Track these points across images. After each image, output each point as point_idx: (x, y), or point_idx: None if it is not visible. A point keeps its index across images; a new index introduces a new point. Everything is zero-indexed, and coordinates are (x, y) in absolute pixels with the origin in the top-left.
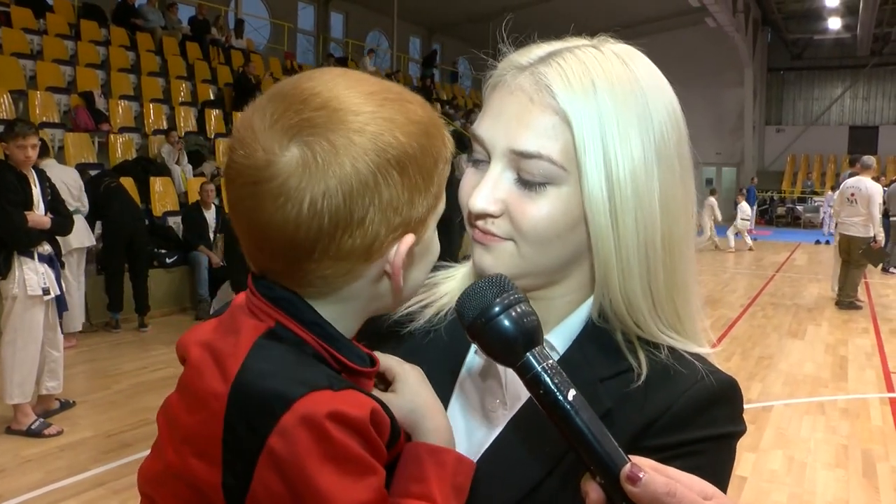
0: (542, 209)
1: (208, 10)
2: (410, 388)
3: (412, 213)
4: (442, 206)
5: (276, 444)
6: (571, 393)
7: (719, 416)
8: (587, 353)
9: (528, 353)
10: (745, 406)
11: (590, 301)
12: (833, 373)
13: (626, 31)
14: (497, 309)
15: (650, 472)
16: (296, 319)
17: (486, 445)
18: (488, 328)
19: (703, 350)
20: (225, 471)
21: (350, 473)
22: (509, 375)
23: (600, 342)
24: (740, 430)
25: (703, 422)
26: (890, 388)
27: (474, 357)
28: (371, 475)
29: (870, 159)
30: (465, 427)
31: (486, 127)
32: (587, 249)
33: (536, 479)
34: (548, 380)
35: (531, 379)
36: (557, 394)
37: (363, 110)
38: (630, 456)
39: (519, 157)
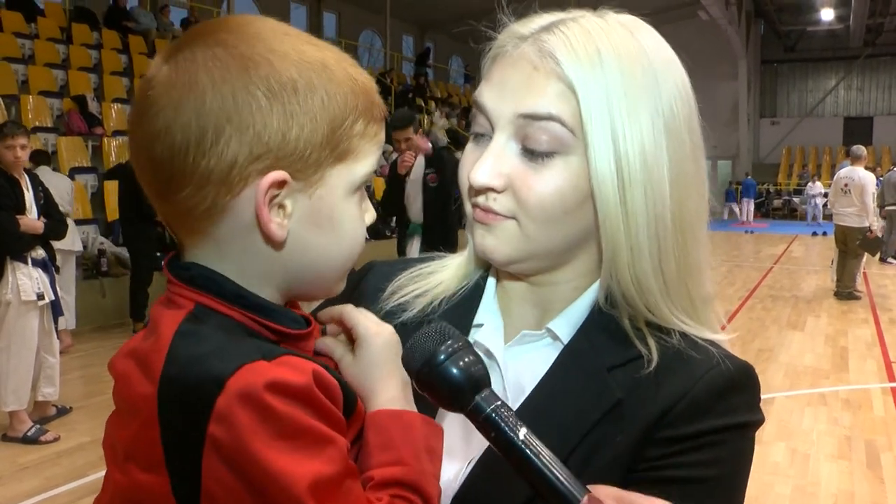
0: (548, 183)
1: (200, 11)
2: (371, 352)
3: (285, 148)
4: (359, 173)
5: (216, 431)
6: (522, 431)
7: (738, 404)
8: (594, 340)
9: (476, 397)
10: None
11: (596, 285)
12: (834, 364)
13: None
14: (441, 357)
15: (609, 502)
16: (216, 296)
17: (483, 449)
18: (434, 375)
19: (718, 336)
20: (172, 475)
21: (304, 448)
22: (509, 377)
23: (608, 329)
24: (758, 420)
25: (722, 409)
26: (891, 378)
27: None
28: (328, 445)
29: (859, 149)
30: (462, 428)
31: (490, 96)
32: (595, 229)
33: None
34: (498, 421)
35: (483, 422)
36: (509, 433)
37: (245, 31)
38: (591, 487)
39: (527, 122)
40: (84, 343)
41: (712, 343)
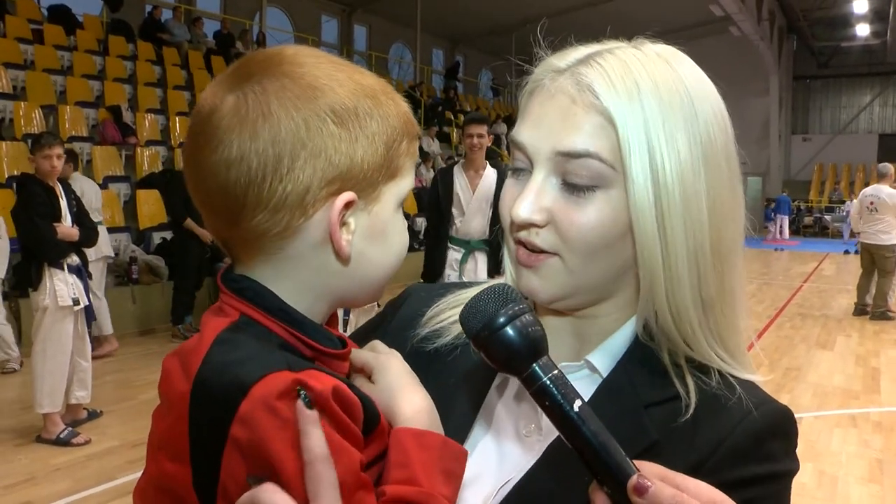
0: (590, 217)
1: (233, 24)
2: (388, 375)
3: (352, 170)
4: (405, 188)
5: (238, 432)
6: (578, 403)
7: (776, 451)
8: (632, 375)
9: (533, 364)
10: None
11: (630, 322)
12: (865, 385)
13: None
14: (502, 320)
15: (658, 482)
16: (261, 308)
17: (522, 471)
18: (493, 339)
19: (756, 377)
20: (194, 468)
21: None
22: None
23: (647, 364)
24: (795, 468)
25: (760, 456)
26: None
27: (504, 379)
28: (341, 454)
29: (885, 167)
30: (496, 450)
31: (527, 133)
32: (635, 261)
33: None
34: (554, 391)
35: (537, 390)
36: (564, 404)
37: (305, 62)
38: (638, 464)
39: (565, 159)
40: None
41: (749, 385)
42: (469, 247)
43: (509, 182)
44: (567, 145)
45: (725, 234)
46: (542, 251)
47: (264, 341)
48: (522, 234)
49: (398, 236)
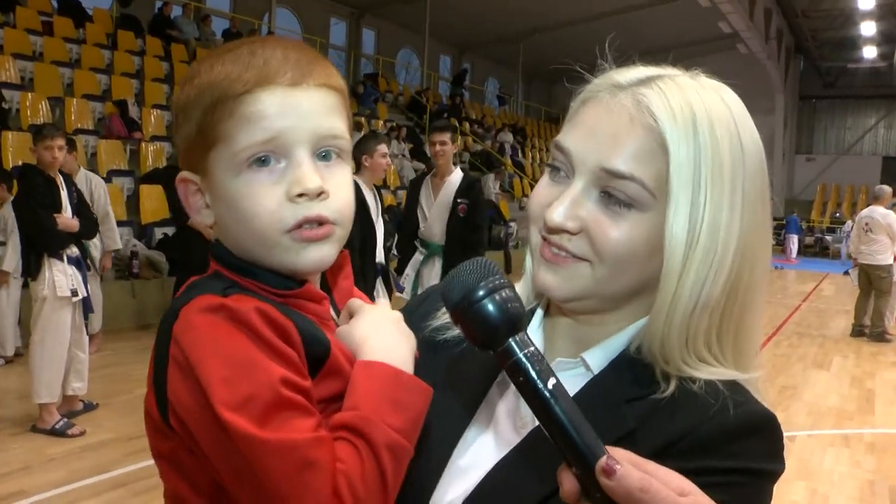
0: (623, 232)
1: (242, 23)
2: (362, 318)
3: (185, 151)
4: (231, 153)
5: (173, 350)
6: (552, 381)
7: (751, 449)
8: (620, 374)
9: (509, 339)
10: None
11: (635, 325)
12: (859, 406)
13: (657, 56)
14: (481, 293)
15: (627, 465)
16: (221, 264)
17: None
18: (471, 312)
19: (739, 375)
20: (156, 391)
21: (238, 368)
22: None
23: (636, 365)
24: (775, 469)
25: (728, 452)
26: None
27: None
28: (256, 369)
29: (881, 189)
30: (494, 440)
31: (577, 140)
32: (653, 281)
33: (545, 494)
34: (528, 367)
35: (512, 365)
36: (538, 381)
37: (196, 65)
38: (608, 448)
39: (609, 177)
40: (113, 342)
41: (736, 387)
42: (430, 249)
43: (545, 180)
44: (614, 164)
45: (753, 275)
46: (573, 256)
47: (225, 283)
48: (553, 238)
49: (244, 200)
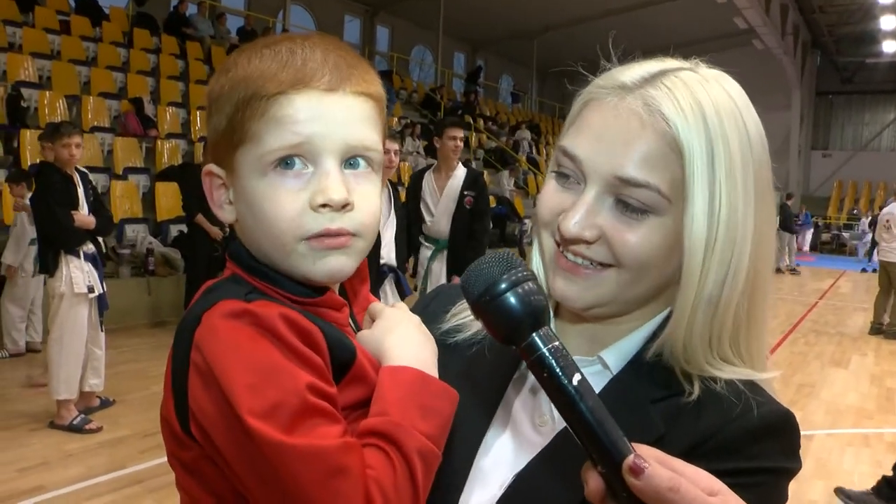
0: (642, 237)
1: (256, 21)
2: (384, 321)
3: (213, 144)
4: (259, 154)
5: (195, 356)
6: (577, 377)
7: (770, 449)
8: (641, 374)
9: (533, 334)
10: None
11: (649, 324)
12: (879, 405)
13: (673, 52)
14: (503, 286)
15: (654, 464)
16: (240, 266)
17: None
18: (493, 306)
19: (759, 375)
20: (175, 399)
21: (263, 375)
22: None
23: (656, 364)
24: (793, 468)
25: (753, 452)
26: None
27: (525, 371)
28: (281, 375)
29: None
30: (514, 440)
31: (586, 147)
32: (671, 281)
33: (574, 501)
34: (553, 362)
35: (535, 361)
36: (562, 377)
37: (231, 59)
38: (634, 445)
39: (623, 184)
40: (130, 339)
41: (755, 386)
42: (438, 245)
43: (553, 186)
44: (627, 172)
45: (762, 268)
46: (595, 263)
47: (246, 288)
48: (572, 247)
49: (266, 202)
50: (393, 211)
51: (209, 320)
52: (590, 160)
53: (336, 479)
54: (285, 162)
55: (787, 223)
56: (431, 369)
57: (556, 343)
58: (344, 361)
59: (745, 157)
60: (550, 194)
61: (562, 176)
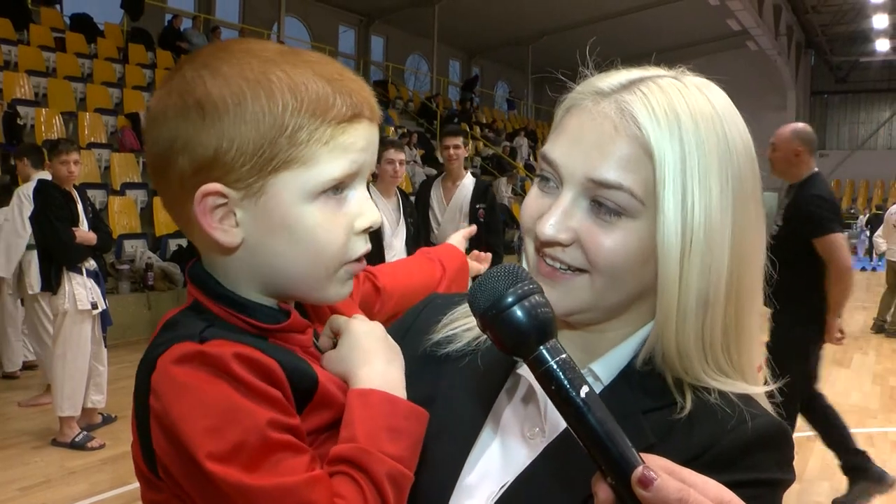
0: (616, 241)
1: (251, 33)
2: (349, 338)
3: (218, 161)
4: (310, 179)
5: (153, 402)
6: (584, 389)
7: (764, 461)
8: (632, 384)
9: (540, 347)
10: None
11: (640, 333)
12: (882, 403)
13: (667, 55)
14: (510, 299)
15: (663, 475)
16: (205, 293)
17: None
18: (500, 319)
19: (754, 389)
20: (141, 441)
21: (222, 417)
22: (549, 403)
23: (647, 375)
24: (787, 479)
25: (747, 465)
26: None
27: (515, 382)
28: (238, 415)
29: None
30: (501, 451)
31: (562, 152)
32: (651, 288)
33: None
34: (560, 375)
35: (543, 373)
36: (570, 389)
37: (200, 56)
38: (644, 455)
39: (597, 186)
40: (130, 354)
41: (748, 399)
42: None
43: (535, 192)
44: (601, 174)
45: (747, 276)
46: (570, 268)
47: (208, 323)
48: (547, 251)
49: (311, 230)
50: (403, 219)
51: (164, 366)
52: (565, 164)
53: None
54: (335, 188)
55: None
56: (400, 390)
57: (564, 355)
58: (305, 389)
59: (723, 164)
60: (531, 200)
61: (543, 180)
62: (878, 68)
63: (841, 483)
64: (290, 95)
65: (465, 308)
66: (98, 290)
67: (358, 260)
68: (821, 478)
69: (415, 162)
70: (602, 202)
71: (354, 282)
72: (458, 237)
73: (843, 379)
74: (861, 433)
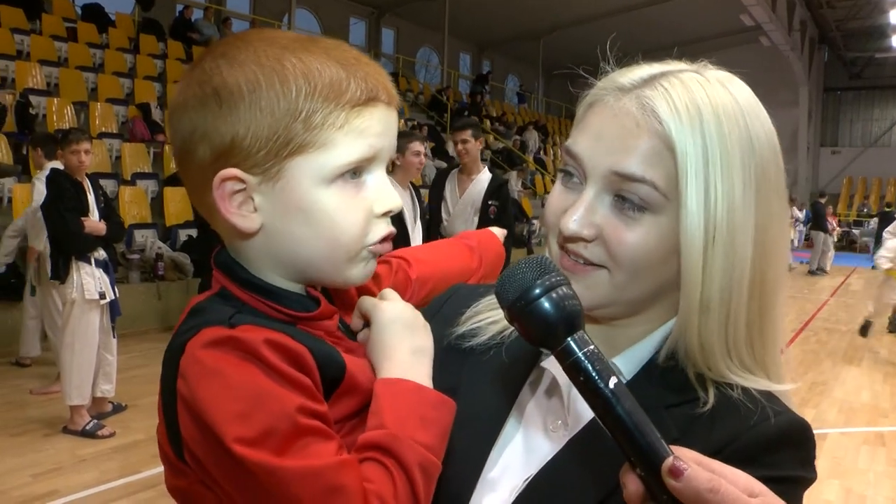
0: (639, 237)
1: (262, 24)
2: (376, 329)
3: (235, 147)
4: (327, 163)
5: (181, 387)
6: (613, 381)
7: (786, 459)
8: (654, 379)
9: (568, 338)
10: None
11: (663, 328)
12: (894, 403)
13: (679, 50)
14: (538, 291)
15: (694, 465)
16: (232, 280)
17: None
18: (528, 311)
19: (778, 387)
20: (168, 426)
21: (252, 401)
22: (573, 395)
23: (670, 370)
24: (809, 477)
25: (768, 462)
26: None
27: (538, 376)
28: (268, 400)
29: None
30: (524, 444)
31: (585, 146)
32: (673, 283)
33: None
34: (588, 366)
35: (571, 365)
36: (598, 381)
37: (218, 47)
38: (673, 447)
39: (620, 180)
40: (140, 343)
41: (770, 396)
42: None
43: (559, 188)
44: (624, 167)
45: (771, 271)
46: (590, 263)
47: (237, 310)
48: (570, 246)
49: (337, 212)
50: (418, 215)
51: (193, 350)
52: (590, 157)
53: (334, 496)
54: (353, 172)
55: (821, 223)
56: (427, 379)
57: (592, 347)
58: (334, 376)
59: (745, 158)
60: (555, 196)
61: (567, 175)
62: (893, 64)
63: (850, 482)
64: (304, 80)
65: (488, 300)
66: (107, 280)
67: (381, 242)
68: (831, 476)
69: (425, 155)
70: (626, 197)
71: (387, 270)
72: (497, 230)
73: (853, 377)
74: (872, 432)
